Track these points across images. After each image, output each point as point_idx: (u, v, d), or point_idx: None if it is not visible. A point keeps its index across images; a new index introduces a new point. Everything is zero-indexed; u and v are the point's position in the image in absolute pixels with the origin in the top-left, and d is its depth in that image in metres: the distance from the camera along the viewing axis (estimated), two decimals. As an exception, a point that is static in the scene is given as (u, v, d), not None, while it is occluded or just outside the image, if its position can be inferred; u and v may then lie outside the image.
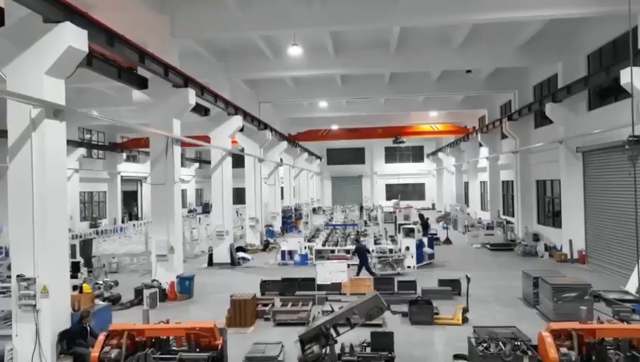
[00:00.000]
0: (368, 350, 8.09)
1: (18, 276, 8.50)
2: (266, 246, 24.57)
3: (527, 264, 18.60)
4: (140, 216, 44.37)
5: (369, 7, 13.82)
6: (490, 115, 30.74)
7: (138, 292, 13.76)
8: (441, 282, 14.06)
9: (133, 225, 33.90)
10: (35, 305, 8.43)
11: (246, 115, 21.31)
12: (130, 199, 44.45)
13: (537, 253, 20.42)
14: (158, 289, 13.47)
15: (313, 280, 14.49)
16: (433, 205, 55.83)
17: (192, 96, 14.52)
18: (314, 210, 48.76)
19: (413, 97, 29.76)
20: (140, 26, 13.99)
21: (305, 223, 30.35)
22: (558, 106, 18.49)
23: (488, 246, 22.95)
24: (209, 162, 59.02)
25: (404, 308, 11.58)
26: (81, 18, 9.02)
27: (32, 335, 8.48)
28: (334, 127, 37.82)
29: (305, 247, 20.15)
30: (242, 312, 11.27)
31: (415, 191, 59.03)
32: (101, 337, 7.61)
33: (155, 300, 13.31)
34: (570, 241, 18.43)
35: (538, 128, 23.26)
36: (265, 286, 14.51)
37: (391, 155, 59.46)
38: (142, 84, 14.27)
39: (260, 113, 25.41)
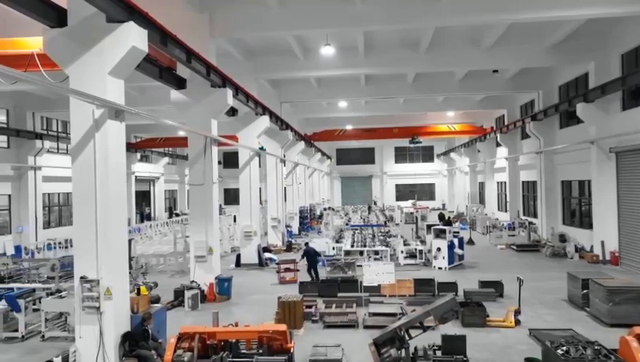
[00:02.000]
0: (438, 353, 8.00)
1: (81, 278, 8.43)
2: (289, 247, 24.51)
3: (557, 265, 18.53)
4: (152, 216, 44.28)
5: (410, 7, 13.73)
6: (510, 115, 30.61)
7: (178, 294, 13.70)
8: (483, 284, 13.97)
9: (150, 226, 33.79)
10: (98, 307, 8.36)
11: (271, 115, 21.24)
12: (139, 199, 44.38)
13: (567, 254, 20.30)
14: (199, 291, 13.43)
15: (353, 281, 14.54)
16: (443, 205, 55.66)
17: (229, 96, 14.45)
18: (327, 210, 48.80)
19: (432, 97, 29.66)
20: (179, 25, 13.87)
21: (325, 224, 30.24)
22: (589, 106, 18.39)
23: (514, 247, 22.83)
24: (219, 162, 59.15)
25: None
26: (141, 18, 8.95)
27: (96, 337, 8.41)
28: (348, 127, 37.72)
29: (333, 248, 20.06)
30: (291, 314, 11.19)
31: (425, 191, 58.85)
32: (172, 340, 7.54)
33: (196, 302, 13.30)
34: (602, 242, 18.32)
35: (564, 128, 23.16)
36: (303, 287, 14.43)
37: (401, 155, 59.35)
38: (180, 84, 14.21)
39: (281, 113, 25.33)
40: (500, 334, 10.42)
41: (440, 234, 18.71)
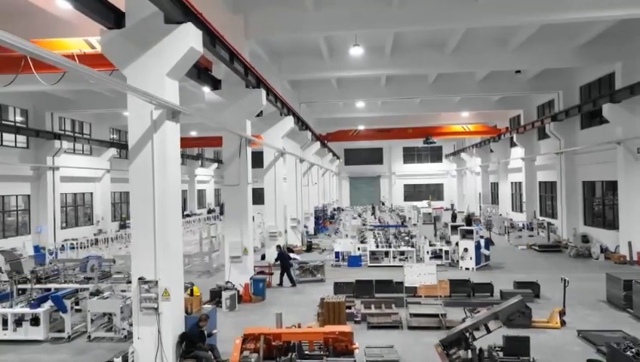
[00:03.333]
0: (500, 354, 8.00)
1: (139, 279, 8.44)
2: (309, 247, 24.52)
3: (583, 266, 18.54)
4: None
5: (447, 8, 13.72)
6: (526, 115, 30.62)
7: (214, 294, 13.71)
8: (519, 284, 13.97)
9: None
10: (157, 308, 8.37)
11: (293, 116, 21.25)
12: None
13: (591, 255, 20.29)
14: (236, 292, 13.44)
15: (389, 282, 14.55)
16: (452, 205, 55.65)
17: (264, 97, 14.47)
18: (336, 211, 48.80)
19: (449, 98, 29.66)
20: (216, 26, 13.93)
21: (343, 224, 30.28)
22: (615, 107, 18.38)
23: (536, 247, 22.82)
24: (227, 162, 59.25)
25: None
26: (196, 19, 8.96)
27: (154, 338, 8.42)
28: (361, 128, 37.73)
29: (358, 248, 20.07)
30: (335, 315, 11.18)
31: (433, 191, 58.84)
32: (237, 341, 7.54)
33: (234, 302, 13.31)
34: (630, 243, 18.32)
35: (585, 129, 23.16)
36: (338, 288, 14.42)
37: (409, 156, 59.37)
38: (214, 84, 14.23)
39: (300, 114, 25.34)
40: (547, 335, 10.41)
41: (466, 234, 18.70)
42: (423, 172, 58.97)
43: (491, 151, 39.09)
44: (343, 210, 51.45)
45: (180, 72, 8.86)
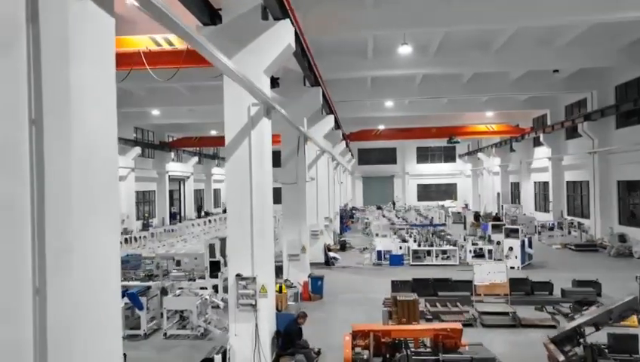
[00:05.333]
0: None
1: (237, 275, 8.43)
2: (342, 246, 24.54)
3: (628, 265, 18.52)
4: (182, 215, 44.27)
5: (513, 6, 13.65)
6: (553, 115, 30.58)
7: (274, 292, 13.71)
8: (578, 283, 13.95)
9: (186, 226, 33.83)
10: (254, 305, 8.36)
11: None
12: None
13: (632, 254, 20.28)
14: (299, 290, 13.44)
15: (447, 280, 14.56)
16: (466, 205, 55.59)
17: (321, 95, 14.47)
18: (352, 210, 48.81)
19: (476, 97, 29.59)
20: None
21: (366, 223, 30.30)
22: (660, 106, 18.40)
23: (572, 247, 22.82)
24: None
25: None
26: (291, 16, 8.95)
27: (250, 335, 8.41)
28: (381, 127, 37.67)
29: (400, 248, 20.07)
30: (410, 313, 11.16)
31: (447, 191, 58.81)
32: (347, 338, 7.53)
33: (297, 300, 13.29)
34: (674, 242, 18.33)
35: (620, 128, 23.15)
36: (396, 286, 14.42)
37: (422, 155, 59.33)
38: (272, 83, 14.23)
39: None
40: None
41: (511, 233, 18.70)
42: (437, 172, 58.93)
43: (512, 150, 39.11)
44: (358, 209, 51.47)
45: (274, 69, 8.88)
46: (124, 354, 6.81)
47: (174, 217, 42.98)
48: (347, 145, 36.49)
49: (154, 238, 26.81)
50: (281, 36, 8.46)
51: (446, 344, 7.59)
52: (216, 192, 55.37)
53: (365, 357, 7.32)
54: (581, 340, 7.55)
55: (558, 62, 20.17)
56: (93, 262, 3.08)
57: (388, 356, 7.51)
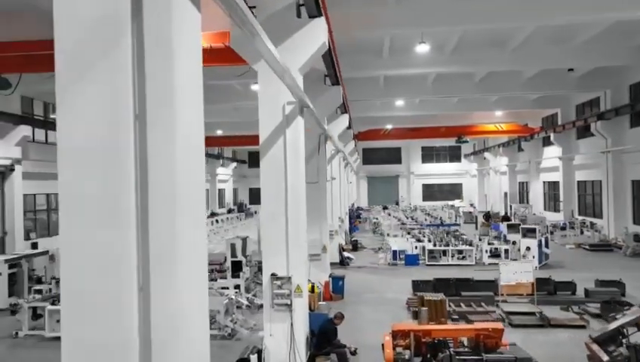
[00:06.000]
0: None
1: (272, 275, 8.37)
2: (354, 246, 24.48)
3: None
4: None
5: (534, 3, 13.58)
6: (564, 114, 30.52)
7: (296, 292, 13.64)
8: (601, 283, 13.88)
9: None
10: (290, 305, 8.30)
11: (346, 114, 21.19)
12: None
13: (649, 254, 20.25)
14: (321, 290, 13.37)
15: (468, 280, 14.50)
16: (472, 205, 55.52)
17: (340, 94, 14.41)
18: (360, 210, 48.81)
19: (487, 97, 29.51)
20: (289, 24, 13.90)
21: (375, 223, 30.25)
22: (677, 106, 18.33)
23: (586, 246, 22.76)
24: (244, 161, 59.00)
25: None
26: (324, 14, 8.89)
27: (285, 335, 8.35)
28: (389, 126, 37.59)
29: (415, 247, 20.01)
30: (437, 312, 11.10)
31: (451, 191, 58.75)
32: (387, 338, 7.48)
33: (320, 300, 13.23)
34: (692, 242, 18.26)
35: (634, 128, 23.08)
36: (417, 286, 14.38)
37: (428, 155, 59.28)
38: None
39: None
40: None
41: (528, 233, 18.65)
42: (442, 171, 58.86)
43: (520, 150, 39.05)
44: (363, 209, 51.44)
45: (307, 67, 8.81)
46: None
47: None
48: (355, 145, 36.45)
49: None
50: (315, 34, 8.41)
51: (486, 344, 7.53)
52: (221, 192, 55.26)
53: (407, 356, 7.27)
54: (624, 340, 7.49)
55: (575, 61, 20.13)
56: (191, 260, 3.03)
57: (428, 356, 7.44)
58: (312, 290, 9.60)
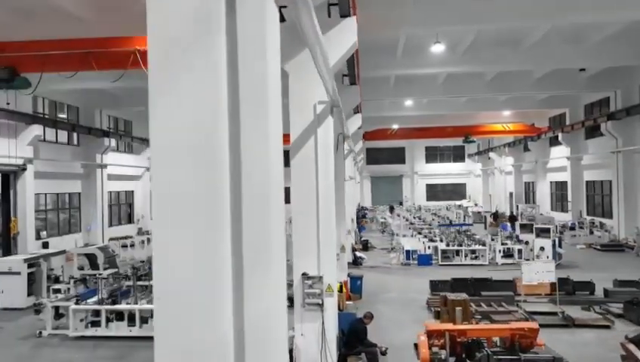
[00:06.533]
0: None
1: (303, 274, 8.35)
2: (365, 246, 24.47)
3: (659, 264, 18.52)
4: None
5: (557, 2, 13.57)
6: (572, 114, 30.53)
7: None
8: (620, 282, 13.89)
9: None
10: (321, 304, 8.28)
11: (356, 114, 21.17)
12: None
13: (662, 254, 20.26)
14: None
15: (486, 279, 14.50)
16: (476, 204, 55.48)
17: (358, 94, 14.40)
18: (365, 209, 48.77)
19: (496, 96, 29.48)
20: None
21: (383, 223, 30.27)
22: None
23: (598, 247, 22.78)
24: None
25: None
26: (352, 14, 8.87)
27: (316, 334, 8.32)
28: (395, 126, 37.57)
29: (428, 247, 19.99)
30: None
31: (455, 191, 58.75)
32: (423, 338, 7.47)
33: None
34: None
35: (645, 128, 23.11)
36: (435, 286, 14.39)
37: (431, 155, 59.25)
38: (311, 81, 14.14)
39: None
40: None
41: (541, 233, 18.64)
42: (446, 171, 58.84)
43: (525, 150, 39.04)
44: (367, 209, 51.40)
45: (338, 67, 8.80)
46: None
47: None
48: (363, 145, 36.45)
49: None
50: (346, 34, 8.41)
51: (522, 343, 7.52)
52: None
53: (443, 356, 7.26)
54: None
55: (588, 61, 20.14)
56: (281, 259, 3.02)
57: (463, 356, 7.44)
58: (341, 290, 9.58)
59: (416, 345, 8.17)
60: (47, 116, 22.91)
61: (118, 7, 12.62)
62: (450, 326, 7.73)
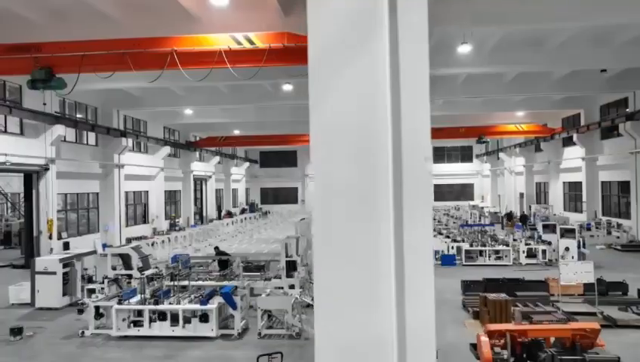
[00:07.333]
0: None
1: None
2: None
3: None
4: (204, 215, 44.14)
5: (585, 3, 13.58)
6: (587, 115, 30.52)
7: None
8: (653, 283, 13.89)
9: (226, 223, 33.80)
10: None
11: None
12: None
13: (684, 254, 20.25)
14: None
15: (517, 280, 14.50)
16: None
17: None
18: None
19: (510, 97, 29.48)
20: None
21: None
22: None
23: (618, 247, 22.78)
24: (256, 161, 58.93)
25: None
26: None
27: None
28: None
29: (452, 247, 19.99)
30: (502, 313, 11.11)
31: (463, 191, 58.78)
32: (484, 338, 7.46)
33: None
34: None
35: (665, 128, 23.13)
36: (467, 286, 14.38)
37: (439, 156, 59.22)
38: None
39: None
40: None
41: (566, 233, 18.62)
42: (453, 172, 58.86)
43: (537, 150, 39.01)
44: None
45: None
46: (281, 354, 6.75)
47: (201, 217, 42.94)
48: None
49: (188, 239, 26.60)
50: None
51: (583, 344, 7.52)
52: (234, 192, 55.23)
53: (505, 356, 7.26)
54: None
55: (610, 62, 20.15)
56: (429, 258, 3.01)
57: (524, 356, 7.44)
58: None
59: (473, 346, 8.16)
60: (68, 116, 22.95)
61: (153, 6, 12.67)
62: (511, 326, 7.73)
